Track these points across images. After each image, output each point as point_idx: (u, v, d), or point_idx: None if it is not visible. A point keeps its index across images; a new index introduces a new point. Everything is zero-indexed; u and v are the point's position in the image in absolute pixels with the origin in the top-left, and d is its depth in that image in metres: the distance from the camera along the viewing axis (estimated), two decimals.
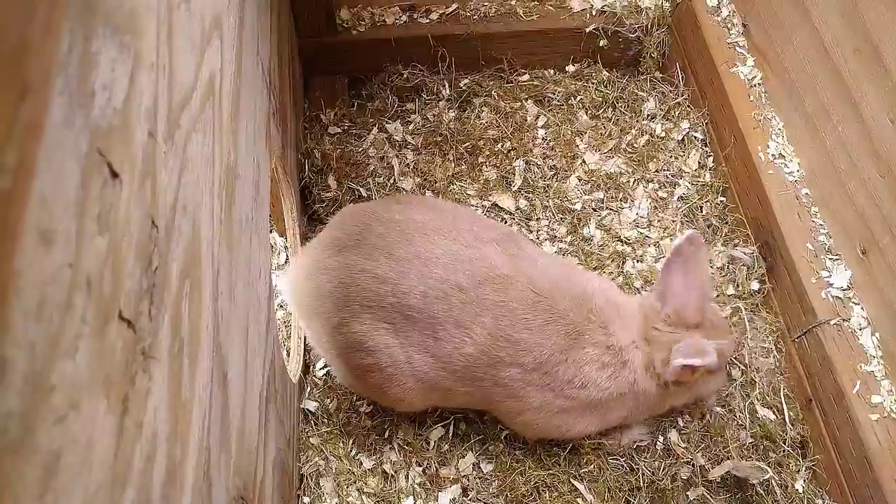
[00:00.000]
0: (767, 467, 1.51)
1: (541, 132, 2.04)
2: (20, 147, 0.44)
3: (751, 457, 1.53)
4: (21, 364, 0.44)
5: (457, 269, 1.35)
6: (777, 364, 1.65)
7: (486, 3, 2.11)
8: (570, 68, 2.18)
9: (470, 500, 1.53)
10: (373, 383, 1.41)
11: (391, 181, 1.91)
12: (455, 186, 1.93)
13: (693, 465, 1.54)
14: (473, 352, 1.35)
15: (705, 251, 1.41)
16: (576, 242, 1.85)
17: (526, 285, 1.36)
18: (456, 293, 1.33)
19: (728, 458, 1.52)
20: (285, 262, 1.84)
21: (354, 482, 1.55)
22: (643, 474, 1.53)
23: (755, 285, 1.76)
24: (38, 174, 0.46)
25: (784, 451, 1.55)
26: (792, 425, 1.57)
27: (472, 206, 1.91)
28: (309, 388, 1.68)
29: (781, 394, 1.61)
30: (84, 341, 0.53)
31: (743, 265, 1.79)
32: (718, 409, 1.59)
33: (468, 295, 1.34)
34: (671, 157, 2.00)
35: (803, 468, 1.54)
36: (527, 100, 2.10)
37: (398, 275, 1.34)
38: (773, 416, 1.58)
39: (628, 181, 1.95)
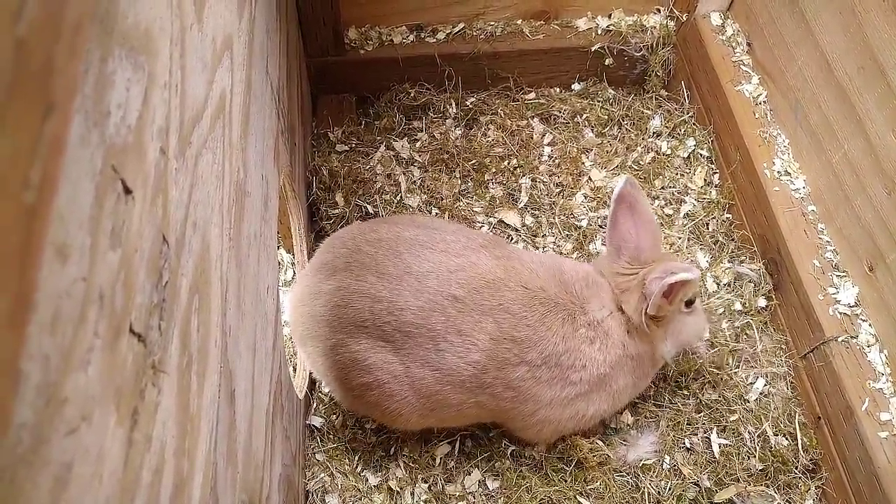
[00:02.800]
0: (775, 493, 1.50)
1: (547, 150, 2.05)
2: (44, 163, 0.45)
3: (759, 483, 1.52)
4: (35, 376, 0.45)
5: (450, 279, 1.35)
6: (790, 389, 1.64)
7: (492, 23, 2.14)
8: (576, 86, 2.20)
9: None
10: (372, 401, 1.41)
11: (398, 198, 1.93)
12: (461, 203, 1.94)
13: (699, 486, 1.53)
14: (480, 358, 1.35)
15: (642, 191, 1.46)
16: (582, 259, 1.86)
17: (518, 284, 1.38)
18: (452, 303, 1.34)
19: (734, 483, 1.52)
20: (293, 279, 1.86)
21: (360, 499, 1.55)
22: (649, 493, 1.52)
23: (762, 302, 1.76)
24: (59, 179, 0.47)
25: (794, 475, 1.54)
26: (805, 452, 1.56)
27: (479, 223, 1.92)
28: (315, 405, 1.68)
29: (796, 421, 1.59)
30: (96, 354, 0.54)
31: (749, 282, 1.79)
32: (724, 440, 1.58)
33: (465, 303, 1.34)
34: (677, 174, 2.01)
35: (813, 488, 1.53)
36: (533, 118, 2.12)
37: (391, 293, 1.35)
38: (786, 443, 1.57)
39: None
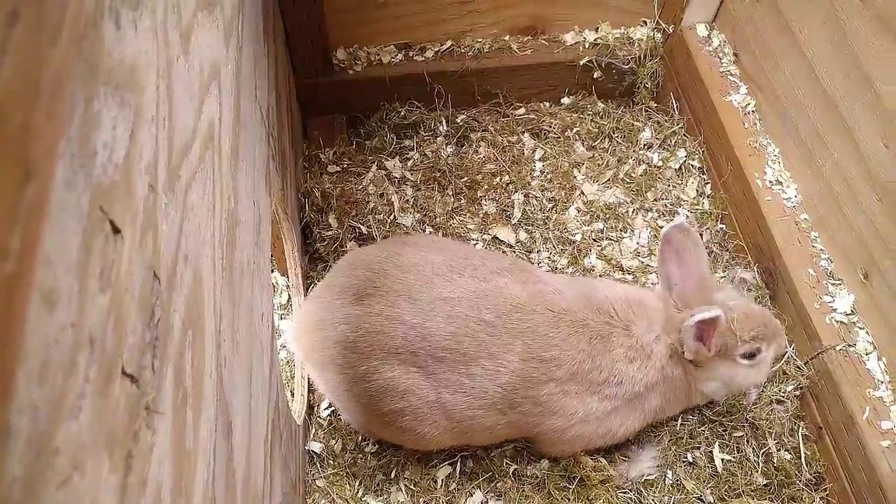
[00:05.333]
0: None
1: (538, 165, 2.05)
2: (24, 229, 0.44)
3: (763, 497, 1.51)
4: (24, 429, 0.44)
5: (479, 304, 1.37)
6: (794, 402, 1.63)
7: (480, 39, 2.14)
8: (566, 101, 2.21)
9: None
10: (404, 426, 1.41)
11: (391, 218, 1.92)
12: (455, 221, 1.94)
13: (703, 500, 1.52)
14: (509, 380, 1.36)
15: (696, 235, 1.46)
16: (577, 273, 1.85)
17: (545, 307, 1.39)
18: (483, 328, 1.35)
19: (737, 497, 1.50)
20: (287, 303, 1.84)
21: None
22: None
23: None
24: (41, 240, 0.46)
25: (798, 487, 1.52)
26: (808, 465, 1.55)
27: (473, 240, 1.91)
28: (314, 430, 1.66)
29: (799, 434, 1.58)
30: (87, 401, 0.52)
31: (748, 288, 1.77)
32: (726, 455, 1.57)
33: (496, 327, 1.36)
34: (669, 185, 2.01)
35: (817, 499, 1.51)
36: (523, 133, 2.12)
37: (424, 318, 1.35)
38: (789, 457, 1.56)
39: (627, 211, 1.96)
